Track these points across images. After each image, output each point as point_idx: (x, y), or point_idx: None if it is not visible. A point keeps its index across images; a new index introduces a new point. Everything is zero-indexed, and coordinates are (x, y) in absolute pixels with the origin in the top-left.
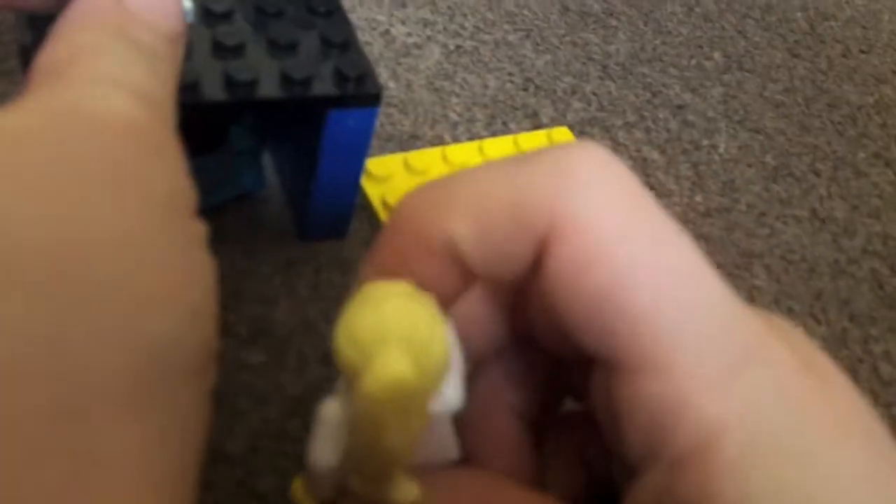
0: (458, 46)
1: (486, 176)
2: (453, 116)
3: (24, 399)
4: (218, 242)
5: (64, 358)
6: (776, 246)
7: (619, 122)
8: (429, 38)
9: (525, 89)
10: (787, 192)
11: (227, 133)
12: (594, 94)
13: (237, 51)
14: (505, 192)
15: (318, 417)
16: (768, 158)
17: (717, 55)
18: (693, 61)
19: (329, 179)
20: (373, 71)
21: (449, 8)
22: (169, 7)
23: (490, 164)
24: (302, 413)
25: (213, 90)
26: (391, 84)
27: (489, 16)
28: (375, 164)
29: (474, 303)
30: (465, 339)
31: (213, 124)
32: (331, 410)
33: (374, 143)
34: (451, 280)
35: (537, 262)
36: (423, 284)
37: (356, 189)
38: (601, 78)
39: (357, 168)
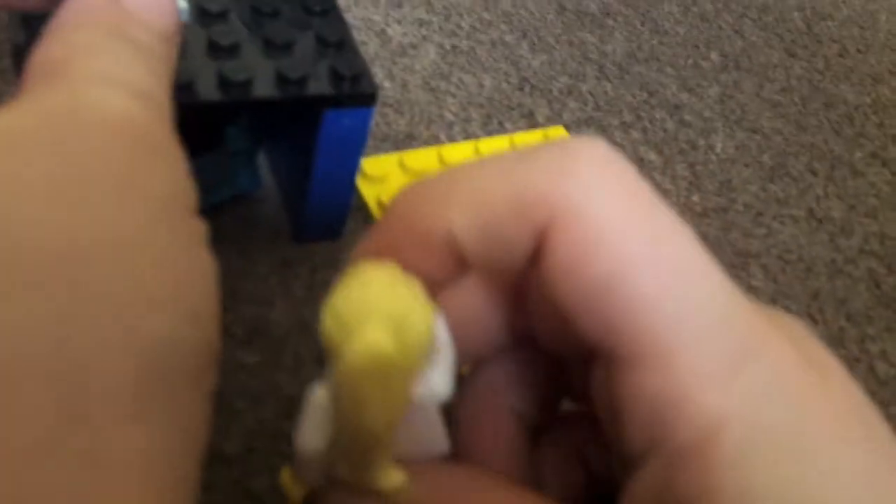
0: (454, 46)
1: (487, 169)
2: (449, 116)
3: (27, 400)
4: (214, 243)
5: (66, 359)
6: (773, 246)
7: (616, 122)
8: (425, 37)
9: (521, 89)
10: (784, 191)
11: (222, 133)
12: (590, 93)
13: (232, 50)
14: (505, 184)
15: (306, 401)
16: (765, 158)
17: (713, 55)
18: (690, 61)
19: (325, 179)
20: (368, 71)
21: (445, 8)
22: (163, 5)
23: (490, 158)
24: (298, 413)
25: (209, 90)
26: (387, 84)
27: (485, 16)
28: (371, 164)
29: (473, 303)
30: (464, 339)
31: (208, 124)
32: (318, 395)
33: (370, 143)
34: (442, 268)
35: (536, 253)
36: (412, 270)
37: (352, 189)
38: (598, 78)
39: (352, 168)
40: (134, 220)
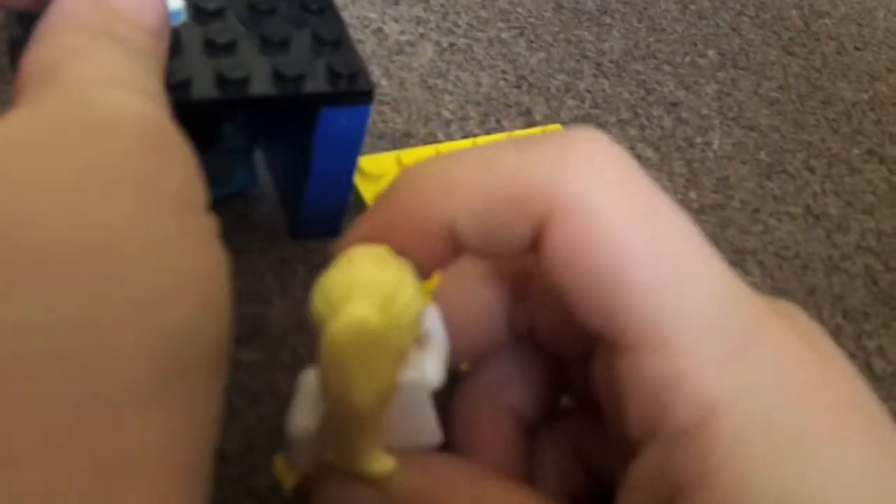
0: (451, 44)
1: (486, 157)
2: (446, 114)
3: (54, 389)
4: None
5: (90, 350)
6: (770, 242)
7: (613, 120)
8: (422, 35)
9: (518, 87)
10: (781, 188)
11: (219, 131)
12: (588, 91)
13: (229, 48)
14: (505, 173)
15: (298, 385)
16: (762, 155)
17: (711, 52)
18: (687, 58)
19: (322, 177)
20: (365, 68)
21: (442, 6)
22: (150, 3)
23: (490, 146)
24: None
25: (205, 88)
26: (384, 82)
27: (482, 13)
28: (368, 163)
29: (474, 301)
30: (464, 337)
31: (205, 122)
32: (309, 378)
33: (367, 141)
34: (436, 254)
35: (535, 243)
36: (405, 254)
37: (349, 187)
38: (595, 75)
39: (350, 166)
40: (148, 216)
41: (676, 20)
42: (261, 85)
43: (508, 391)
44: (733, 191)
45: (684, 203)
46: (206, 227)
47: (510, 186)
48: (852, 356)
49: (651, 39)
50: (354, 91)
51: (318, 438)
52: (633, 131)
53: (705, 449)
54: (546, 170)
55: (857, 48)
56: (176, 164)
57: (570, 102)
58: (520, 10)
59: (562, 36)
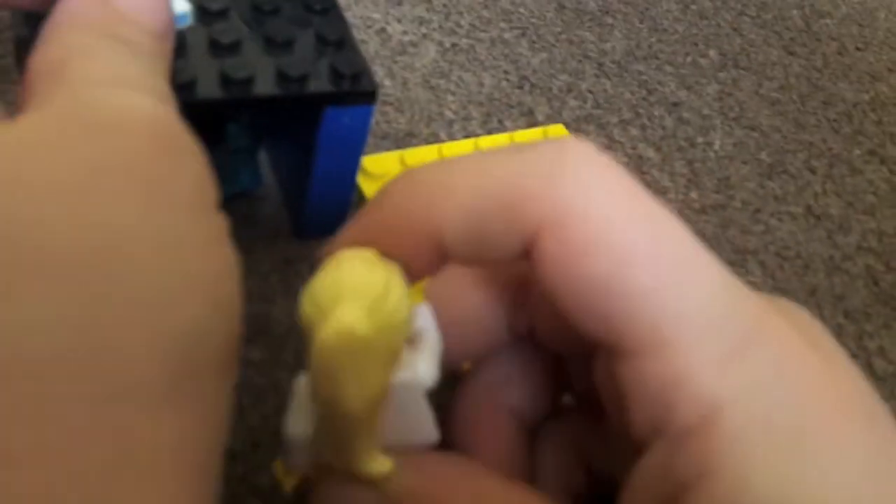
0: (453, 44)
1: (477, 166)
2: (449, 114)
3: (57, 389)
4: None
5: (102, 349)
6: (771, 242)
7: (615, 120)
8: (424, 36)
9: (521, 87)
10: (783, 188)
11: (223, 131)
12: (590, 91)
13: (233, 48)
14: (495, 183)
15: (293, 390)
16: (763, 155)
17: (712, 53)
18: (689, 59)
19: (325, 177)
20: (369, 69)
21: (444, 6)
22: (154, 5)
23: (481, 155)
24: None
25: (210, 88)
26: (387, 82)
27: (485, 14)
28: (371, 162)
29: (473, 302)
30: (464, 339)
31: (209, 122)
32: (304, 382)
33: (370, 140)
34: (424, 261)
35: (527, 252)
36: (394, 259)
37: (353, 187)
38: (597, 76)
39: (353, 166)
40: (159, 216)
41: (678, 20)
42: (265, 85)
43: (509, 391)
44: (734, 191)
45: (686, 203)
46: (217, 226)
47: (501, 195)
48: (853, 356)
49: (653, 40)
50: (358, 91)
51: (314, 441)
52: (634, 131)
53: (706, 448)
54: (537, 180)
55: (858, 48)
56: (187, 163)
57: (572, 103)
58: (522, 10)
59: (564, 36)
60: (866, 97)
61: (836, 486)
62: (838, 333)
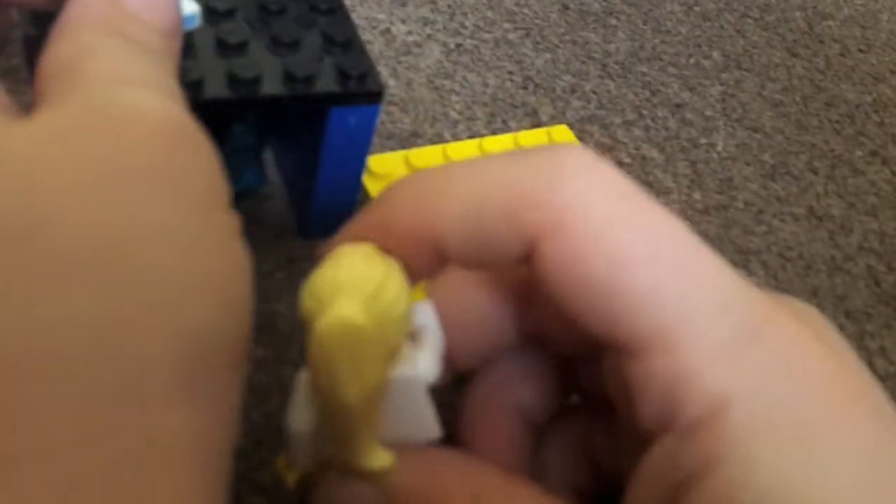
0: (458, 45)
1: (477, 171)
2: (453, 114)
3: (83, 386)
4: None
5: (118, 348)
6: (773, 243)
7: (618, 121)
8: (429, 36)
9: (525, 87)
10: (785, 189)
11: (229, 131)
12: (593, 92)
13: (240, 48)
14: (495, 188)
15: (295, 385)
16: (766, 157)
17: (715, 54)
18: (692, 60)
19: (331, 177)
20: (375, 69)
21: (449, 6)
22: (164, 4)
23: (482, 160)
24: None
25: (217, 88)
26: (392, 82)
27: (489, 14)
28: (376, 162)
29: (481, 304)
30: (471, 340)
31: (215, 122)
32: (305, 375)
33: (375, 140)
34: (423, 263)
35: (527, 256)
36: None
37: (358, 186)
38: (600, 76)
39: (359, 165)
40: (173, 215)
41: (681, 22)
42: (271, 85)
43: (517, 390)
44: (737, 192)
45: (688, 204)
46: (229, 225)
47: (501, 200)
48: None
49: (656, 41)
50: (364, 91)
51: (316, 436)
52: (637, 132)
53: (712, 441)
54: (536, 185)
55: (860, 50)
56: (200, 161)
57: (576, 103)
58: (526, 11)
59: (568, 37)
60: (868, 99)
61: (841, 480)
62: (840, 333)
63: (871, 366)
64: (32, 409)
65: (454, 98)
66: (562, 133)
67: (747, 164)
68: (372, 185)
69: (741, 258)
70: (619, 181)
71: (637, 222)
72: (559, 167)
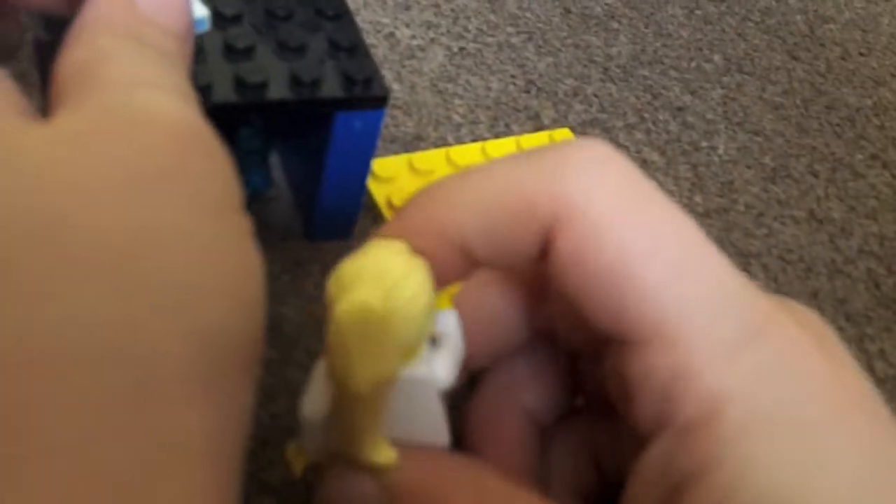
0: (461, 49)
1: (492, 172)
2: (457, 118)
3: (101, 384)
4: None
5: (135, 348)
6: (774, 246)
7: (620, 124)
8: (432, 40)
9: (527, 91)
10: (786, 193)
11: (236, 134)
12: (595, 95)
13: (247, 53)
14: (510, 187)
15: (311, 373)
16: (767, 160)
17: (716, 58)
18: (693, 64)
19: (336, 180)
20: (379, 74)
21: (452, 11)
22: (176, 8)
23: (496, 162)
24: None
25: (225, 92)
26: (395, 86)
27: (492, 18)
28: (380, 165)
29: (492, 304)
30: (483, 339)
31: (222, 126)
32: (322, 365)
33: (379, 144)
34: (451, 267)
35: (544, 250)
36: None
37: (362, 190)
38: (602, 80)
39: (364, 169)
40: (191, 216)
41: (683, 26)
42: (278, 89)
43: (524, 392)
44: (738, 195)
45: (689, 207)
46: (242, 227)
47: (514, 200)
48: (854, 359)
49: (658, 45)
50: (369, 96)
51: (326, 425)
52: (639, 135)
53: (710, 440)
54: (549, 181)
55: (861, 54)
56: (214, 164)
57: (578, 107)
58: (528, 15)
59: (570, 41)
60: (869, 102)
61: (839, 480)
62: (839, 336)
63: (871, 369)
64: (42, 408)
65: (457, 102)
66: (564, 136)
67: (748, 167)
68: (376, 188)
69: (742, 261)
70: (627, 175)
71: (642, 215)
72: (564, 163)
